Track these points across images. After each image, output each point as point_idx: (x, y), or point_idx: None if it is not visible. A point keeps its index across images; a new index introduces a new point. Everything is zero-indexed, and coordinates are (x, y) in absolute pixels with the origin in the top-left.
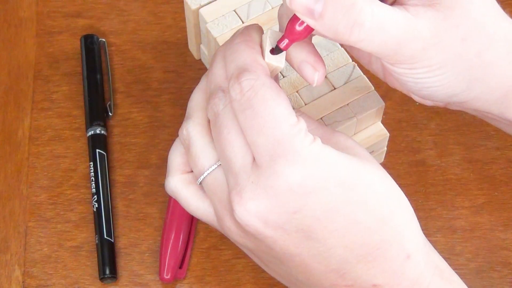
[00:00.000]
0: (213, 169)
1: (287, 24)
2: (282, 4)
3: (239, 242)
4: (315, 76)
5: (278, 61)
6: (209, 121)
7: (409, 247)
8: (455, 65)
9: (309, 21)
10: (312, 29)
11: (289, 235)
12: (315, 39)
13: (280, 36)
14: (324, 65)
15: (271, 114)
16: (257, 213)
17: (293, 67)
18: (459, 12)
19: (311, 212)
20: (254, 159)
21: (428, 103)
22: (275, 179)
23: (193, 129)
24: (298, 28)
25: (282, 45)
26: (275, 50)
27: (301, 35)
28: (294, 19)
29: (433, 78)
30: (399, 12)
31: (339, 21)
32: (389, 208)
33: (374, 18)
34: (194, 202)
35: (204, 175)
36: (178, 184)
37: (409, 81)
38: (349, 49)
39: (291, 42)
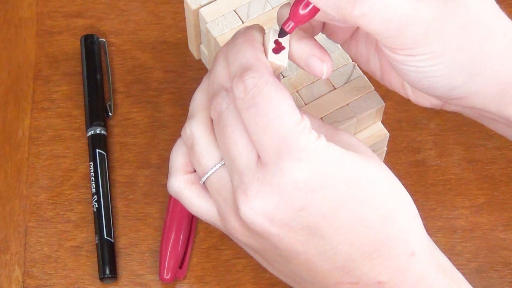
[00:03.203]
0: (217, 168)
1: (291, 7)
2: (281, 6)
3: (244, 241)
4: (323, 67)
5: (281, 60)
6: (212, 121)
7: (414, 244)
8: (456, 55)
9: None
10: (317, 11)
11: (295, 232)
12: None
13: None
14: (330, 56)
15: (276, 112)
16: (263, 211)
17: (299, 65)
18: (459, 1)
19: (317, 209)
20: (258, 157)
21: (426, 104)
22: (281, 177)
23: (196, 128)
24: (302, 10)
25: (287, 28)
26: (280, 34)
27: (306, 17)
28: (299, 1)
29: (434, 67)
30: None
31: None
32: (394, 205)
33: None
34: (197, 202)
35: (208, 174)
36: (180, 184)
37: (409, 70)
38: (346, 48)
39: (296, 24)
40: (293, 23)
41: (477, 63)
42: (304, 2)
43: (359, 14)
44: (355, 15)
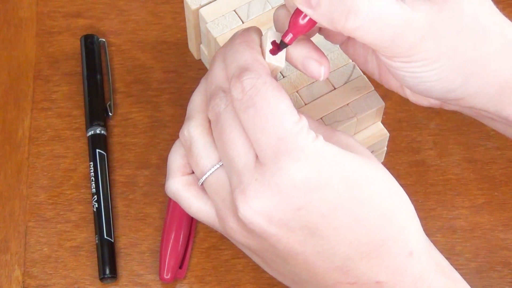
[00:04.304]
0: (215, 169)
1: (290, 18)
2: (277, 7)
3: (242, 242)
4: (321, 70)
5: (279, 61)
6: (210, 122)
7: (412, 244)
8: (452, 58)
9: (308, 11)
10: (315, 22)
11: (293, 232)
12: (314, 39)
13: (280, 36)
14: (327, 58)
15: (274, 112)
16: (261, 211)
17: (297, 67)
18: (453, 5)
19: (316, 208)
20: (257, 157)
21: (424, 103)
22: (279, 176)
23: (194, 129)
24: (301, 21)
25: (286, 40)
26: (280, 45)
27: (304, 28)
28: (297, 13)
29: (430, 72)
30: (395, 2)
31: (334, 8)
32: (392, 205)
33: (370, 7)
34: (195, 204)
35: (206, 175)
36: (179, 185)
37: (406, 75)
38: (344, 49)
39: (296, 36)
40: (292, 35)
41: (473, 64)
42: (303, 14)
43: (352, 27)
44: (348, 28)
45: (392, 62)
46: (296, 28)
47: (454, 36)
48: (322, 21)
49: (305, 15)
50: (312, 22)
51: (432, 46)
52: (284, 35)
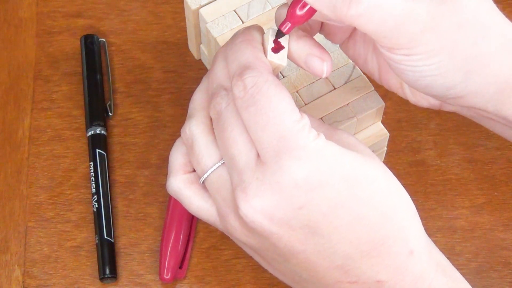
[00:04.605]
0: (217, 167)
1: (288, 8)
2: (279, 6)
3: (243, 241)
4: (324, 66)
5: (280, 59)
6: (211, 120)
7: (412, 243)
8: (452, 54)
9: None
10: (313, 11)
11: (294, 231)
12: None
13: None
14: (330, 55)
15: (275, 110)
16: (262, 210)
17: (299, 65)
18: (454, 0)
19: (317, 207)
20: (258, 155)
21: (424, 104)
22: (281, 175)
23: (196, 128)
24: (299, 11)
25: (284, 29)
26: (277, 35)
27: (302, 18)
28: (296, 2)
29: (430, 66)
30: None
31: None
32: (393, 204)
33: None
34: (197, 202)
35: (208, 173)
36: (180, 184)
37: (406, 69)
38: (344, 50)
39: (293, 25)
40: (290, 24)
41: (473, 62)
42: (301, 3)
43: (354, 14)
44: (351, 15)
45: (393, 54)
46: (295, 17)
47: (454, 31)
48: (323, 9)
49: (304, 4)
50: (310, 12)
51: (432, 39)
52: (282, 24)
